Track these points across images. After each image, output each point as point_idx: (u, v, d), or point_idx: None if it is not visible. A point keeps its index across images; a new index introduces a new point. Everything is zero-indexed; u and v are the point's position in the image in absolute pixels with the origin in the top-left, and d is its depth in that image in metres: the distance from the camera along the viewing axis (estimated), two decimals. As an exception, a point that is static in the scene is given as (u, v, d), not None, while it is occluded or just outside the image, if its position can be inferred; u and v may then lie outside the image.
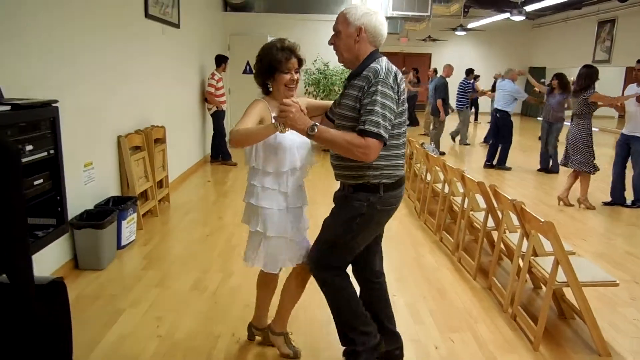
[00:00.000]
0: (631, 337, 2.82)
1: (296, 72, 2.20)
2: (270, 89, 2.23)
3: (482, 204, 3.65)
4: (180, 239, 4.30)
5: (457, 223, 4.00)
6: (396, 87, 1.96)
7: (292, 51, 2.17)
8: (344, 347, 2.32)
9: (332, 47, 2.09)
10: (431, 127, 9.41)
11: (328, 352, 2.54)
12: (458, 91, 9.94)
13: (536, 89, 8.59)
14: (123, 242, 3.85)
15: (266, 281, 2.49)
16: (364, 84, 1.94)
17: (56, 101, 2.07)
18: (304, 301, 2.52)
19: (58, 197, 2.11)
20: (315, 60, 8.36)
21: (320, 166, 5.83)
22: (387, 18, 9.12)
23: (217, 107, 7.09)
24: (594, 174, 5.50)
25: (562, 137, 6.31)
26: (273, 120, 2.06)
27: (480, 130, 12.90)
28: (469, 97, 10.07)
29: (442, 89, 8.62)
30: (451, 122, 10.19)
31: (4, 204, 1.36)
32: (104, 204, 3.86)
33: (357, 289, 2.36)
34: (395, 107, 1.95)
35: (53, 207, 2.11)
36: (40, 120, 1.96)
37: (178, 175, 6.07)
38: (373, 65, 1.97)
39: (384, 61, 2.00)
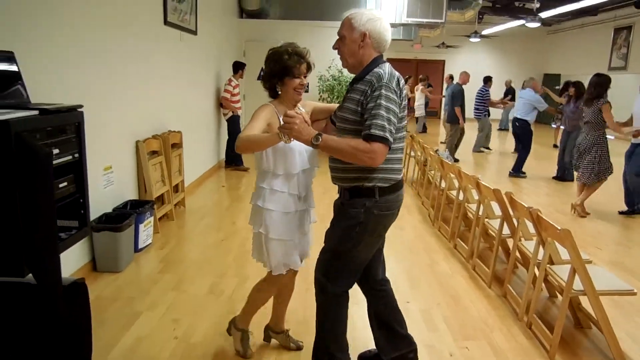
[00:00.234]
0: (649, 348, 2.79)
1: (305, 77, 2.23)
2: (279, 93, 2.26)
3: (497, 211, 3.65)
4: (195, 243, 4.35)
5: (471, 230, 3.99)
6: (399, 92, 1.97)
7: (302, 56, 2.20)
8: None
9: (337, 51, 2.12)
10: (447, 134, 9.38)
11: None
12: (476, 99, 9.92)
13: (556, 100, 8.59)
14: (140, 245, 3.91)
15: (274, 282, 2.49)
16: (367, 88, 1.95)
17: (81, 106, 2.11)
18: (305, 300, 2.54)
19: (81, 200, 2.15)
20: (329, 67, 8.41)
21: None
22: (402, 25, 9.17)
23: (232, 112, 7.17)
24: (599, 182, 5.41)
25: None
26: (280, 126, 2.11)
27: (497, 138, 12.81)
28: (488, 105, 10.05)
29: (459, 96, 8.62)
30: (469, 131, 10.13)
31: (35, 206, 1.40)
32: (122, 207, 3.92)
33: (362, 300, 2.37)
34: (398, 111, 1.96)
35: (76, 210, 2.15)
36: (66, 125, 2.00)
37: (193, 180, 6.14)
38: (376, 70, 1.98)
39: (387, 66, 2.01)
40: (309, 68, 2.23)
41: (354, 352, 2.40)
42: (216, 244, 4.26)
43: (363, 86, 1.98)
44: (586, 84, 7.08)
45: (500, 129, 14.22)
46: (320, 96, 8.69)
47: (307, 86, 9.66)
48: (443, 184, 5.02)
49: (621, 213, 5.54)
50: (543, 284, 3.10)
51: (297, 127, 1.90)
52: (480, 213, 3.89)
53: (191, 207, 5.36)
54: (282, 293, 2.54)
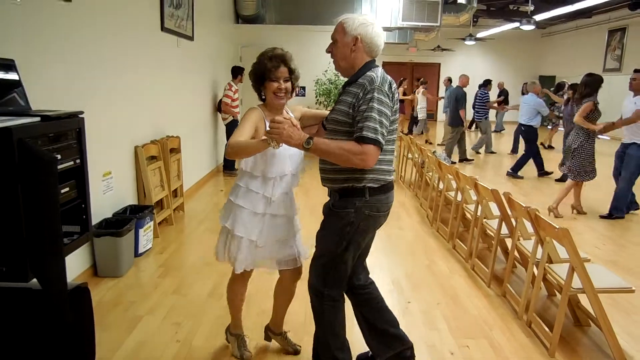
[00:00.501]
0: (648, 344, 2.81)
1: (286, 81, 2.21)
2: (264, 97, 2.27)
3: (495, 211, 3.67)
4: (195, 247, 4.36)
5: (470, 231, 4.02)
6: (391, 95, 2.00)
7: (283, 60, 2.20)
8: None
9: (329, 55, 2.14)
10: (448, 136, 9.40)
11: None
12: (477, 102, 9.98)
13: (556, 101, 8.64)
14: (140, 250, 3.92)
15: (238, 281, 2.48)
16: (359, 90, 1.97)
17: (82, 112, 2.13)
18: (307, 303, 2.55)
19: (83, 205, 2.16)
20: (326, 71, 8.45)
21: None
22: (397, 28, 9.22)
23: (233, 117, 7.19)
24: (583, 181, 5.40)
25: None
26: (268, 124, 2.10)
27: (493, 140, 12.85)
28: (488, 108, 10.12)
29: (463, 100, 8.70)
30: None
31: (41, 211, 1.41)
32: (122, 212, 3.94)
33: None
34: (390, 114, 1.98)
35: (78, 215, 2.16)
36: (67, 131, 2.02)
37: (192, 185, 6.15)
38: (369, 73, 2.00)
39: (379, 70, 2.03)
40: (291, 72, 2.23)
41: (353, 352, 2.40)
42: (216, 248, 4.26)
43: (355, 89, 2.00)
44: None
45: (494, 131, 14.28)
46: (317, 100, 8.72)
47: (304, 90, 9.65)
48: (441, 185, 5.04)
49: (602, 217, 5.46)
50: (542, 283, 3.13)
51: (286, 132, 1.90)
52: (478, 213, 3.92)
53: (190, 212, 5.37)
54: (282, 296, 2.54)
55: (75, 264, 3.33)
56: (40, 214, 1.43)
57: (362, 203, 2.06)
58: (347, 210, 2.07)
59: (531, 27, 11.20)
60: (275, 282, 2.54)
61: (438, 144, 11.27)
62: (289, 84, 2.23)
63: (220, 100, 7.22)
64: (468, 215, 4.25)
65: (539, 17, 11.41)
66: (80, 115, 2.14)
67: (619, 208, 5.40)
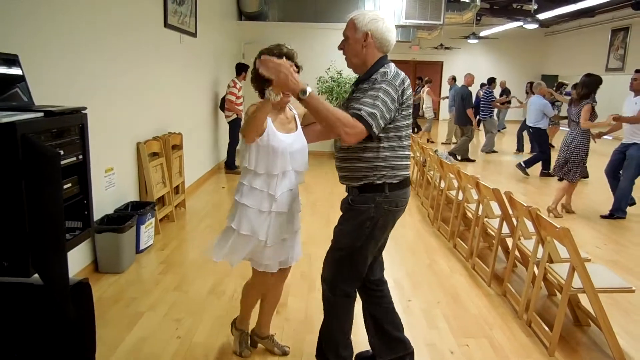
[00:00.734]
0: (647, 345, 2.82)
1: None
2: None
3: (497, 210, 3.67)
4: (196, 244, 4.37)
5: (471, 230, 4.02)
6: (401, 90, 1.99)
7: (291, 58, 2.18)
8: None
9: (342, 52, 2.14)
10: (460, 135, 9.38)
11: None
12: (482, 101, 9.97)
13: (562, 101, 8.64)
14: (141, 246, 3.93)
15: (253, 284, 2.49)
16: (371, 85, 1.98)
17: (85, 108, 2.14)
18: (307, 300, 2.56)
19: (85, 201, 2.17)
20: (328, 68, 8.44)
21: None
22: (400, 26, 9.20)
23: (236, 115, 7.18)
24: (576, 180, 5.43)
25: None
26: (270, 121, 2.13)
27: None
28: (492, 106, 10.11)
29: (469, 98, 8.70)
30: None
31: (44, 206, 1.42)
32: (124, 208, 3.95)
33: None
34: (392, 108, 1.97)
35: (80, 211, 2.17)
36: (70, 127, 2.02)
37: (194, 182, 6.16)
38: (382, 69, 2.01)
39: (392, 66, 2.04)
40: (297, 70, 2.20)
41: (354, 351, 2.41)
42: (217, 245, 4.27)
43: (367, 85, 2.00)
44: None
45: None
46: (320, 98, 8.71)
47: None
48: (442, 184, 5.04)
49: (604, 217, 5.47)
50: (542, 282, 3.13)
51: (284, 76, 1.86)
52: (479, 212, 3.92)
53: (192, 209, 5.38)
54: (268, 299, 2.53)
55: (77, 260, 3.34)
56: (44, 210, 1.44)
57: (382, 198, 2.06)
58: (367, 206, 2.07)
59: (534, 26, 11.19)
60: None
61: (442, 143, 11.27)
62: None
63: (224, 97, 7.21)
64: (469, 214, 4.26)
65: (542, 16, 11.37)
66: (83, 111, 2.15)
67: (621, 209, 5.40)
